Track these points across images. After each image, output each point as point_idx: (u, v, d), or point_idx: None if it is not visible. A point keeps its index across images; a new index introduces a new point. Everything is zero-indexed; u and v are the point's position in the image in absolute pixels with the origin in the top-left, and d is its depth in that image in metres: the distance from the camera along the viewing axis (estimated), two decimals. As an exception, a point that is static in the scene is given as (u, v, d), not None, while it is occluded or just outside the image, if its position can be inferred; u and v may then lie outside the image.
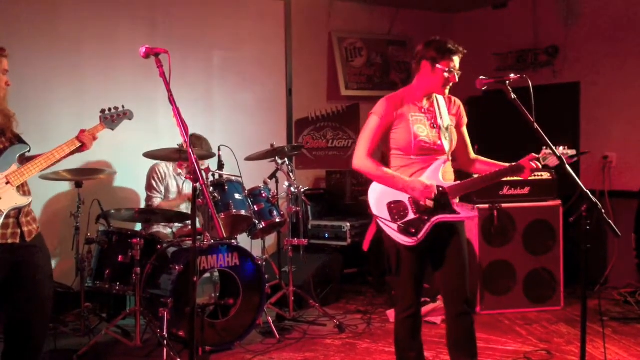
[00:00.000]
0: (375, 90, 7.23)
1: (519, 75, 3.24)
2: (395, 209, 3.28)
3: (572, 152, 3.21)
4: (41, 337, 3.40)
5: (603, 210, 2.95)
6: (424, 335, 3.51)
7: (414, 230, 3.23)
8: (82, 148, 3.47)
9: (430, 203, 3.23)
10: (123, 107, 3.67)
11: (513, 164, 3.30)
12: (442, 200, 3.25)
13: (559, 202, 5.48)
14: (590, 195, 2.97)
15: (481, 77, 3.27)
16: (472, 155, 3.56)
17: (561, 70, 6.66)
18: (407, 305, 3.38)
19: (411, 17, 7.47)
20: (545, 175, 5.46)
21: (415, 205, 3.26)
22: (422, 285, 3.44)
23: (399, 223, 3.24)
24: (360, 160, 3.35)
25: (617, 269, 6.06)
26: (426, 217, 3.25)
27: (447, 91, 3.35)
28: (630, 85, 6.12)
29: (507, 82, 3.20)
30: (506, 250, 5.34)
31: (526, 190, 5.46)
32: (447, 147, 3.37)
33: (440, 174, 3.32)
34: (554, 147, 3.14)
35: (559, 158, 3.10)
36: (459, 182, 3.34)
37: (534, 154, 3.24)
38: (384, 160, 3.43)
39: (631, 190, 5.82)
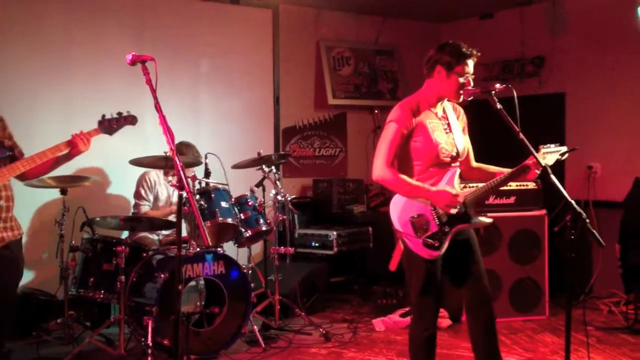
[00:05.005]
0: (363, 100, 7.26)
1: (504, 85, 3.25)
2: (418, 224, 3.20)
3: (563, 148, 3.20)
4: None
5: (587, 220, 2.97)
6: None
7: (437, 244, 3.18)
8: (73, 151, 3.43)
9: (454, 210, 3.18)
10: (128, 112, 3.59)
11: (519, 166, 3.23)
12: (460, 209, 3.22)
13: (544, 211, 5.50)
14: (575, 205, 2.99)
15: (467, 87, 3.29)
16: (474, 163, 3.50)
17: (547, 81, 6.70)
18: (429, 324, 3.27)
19: (398, 27, 7.50)
20: (531, 185, 5.48)
21: (437, 217, 3.20)
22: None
23: (423, 237, 3.18)
24: (381, 170, 3.17)
25: (601, 278, 6.09)
26: (447, 229, 3.21)
27: (461, 97, 3.26)
28: (615, 97, 6.17)
29: (493, 92, 3.20)
30: (492, 260, 5.31)
31: (512, 199, 5.48)
32: (462, 153, 3.33)
33: (455, 183, 3.26)
34: (539, 158, 3.15)
35: (544, 168, 3.11)
36: (471, 190, 3.27)
37: (533, 155, 3.15)
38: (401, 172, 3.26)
39: (615, 201, 5.85)
